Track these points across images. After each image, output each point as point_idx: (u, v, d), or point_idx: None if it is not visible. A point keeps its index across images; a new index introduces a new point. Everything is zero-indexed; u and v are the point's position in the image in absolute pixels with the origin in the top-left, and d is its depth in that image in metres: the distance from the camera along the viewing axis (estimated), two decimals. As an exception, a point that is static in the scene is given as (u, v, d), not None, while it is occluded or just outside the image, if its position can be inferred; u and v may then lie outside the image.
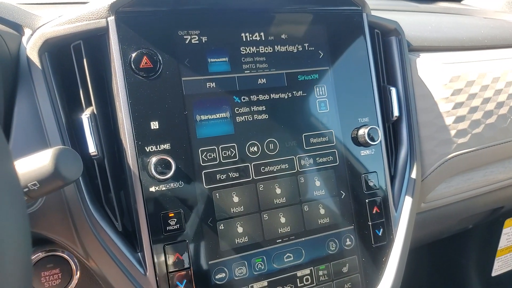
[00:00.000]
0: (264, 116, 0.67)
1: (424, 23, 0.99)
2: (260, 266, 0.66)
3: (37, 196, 0.47)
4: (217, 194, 0.63)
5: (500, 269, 1.34)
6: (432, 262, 1.44)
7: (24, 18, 0.66)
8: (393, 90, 0.78)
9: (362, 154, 0.74)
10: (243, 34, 0.67)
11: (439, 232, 1.10)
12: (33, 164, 0.45)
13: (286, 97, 0.68)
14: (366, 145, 0.72)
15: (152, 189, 0.59)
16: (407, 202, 0.77)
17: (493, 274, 1.33)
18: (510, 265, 1.36)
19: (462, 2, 1.47)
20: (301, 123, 0.69)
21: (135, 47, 0.60)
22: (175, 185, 0.60)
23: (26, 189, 0.45)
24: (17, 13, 0.66)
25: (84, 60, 0.61)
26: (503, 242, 1.31)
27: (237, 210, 0.64)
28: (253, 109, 0.66)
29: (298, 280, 0.68)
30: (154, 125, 0.60)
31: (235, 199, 0.64)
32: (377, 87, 0.76)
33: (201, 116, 0.63)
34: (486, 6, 1.40)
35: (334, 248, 0.70)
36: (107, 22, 0.59)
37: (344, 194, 0.71)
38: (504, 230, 1.29)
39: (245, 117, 0.66)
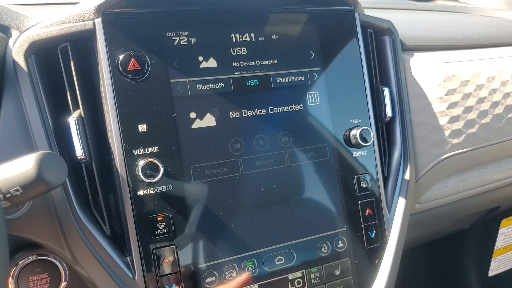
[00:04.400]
0: (254, 118, 0.66)
1: (419, 21, 0.98)
2: (251, 269, 0.65)
3: (21, 201, 0.46)
4: (206, 197, 0.63)
5: (497, 269, 1.33)
6: (429, 262, 1.44)
7: (12, 19, 0.65)
8: (386, 91, 0.77)
9: (355, 155, 0.73)
10: (232, 35, 0.66)
11: (435, 232, 1.09)
12: (15, 169, 0.45)
13: (277, 98, 0.68)
14: (358, 146, 0.72)
15: (140, 192, 0.59)
16: (401, 203, 0.77)
17: (490, 274, 1.32)
18: (507, 265, 1.35)
19: (459, 0, 1.46)
20: (292, 124, 0.68)
21: (122, 49, 0.59)
22: (163, 188, 0.60)
23: (9, 195, 0.45)
24: (6, 14, 0.66)
25: (71, 62, 0.60)
26: (499, 242, 1.30)
27: (226, 213, 0.64)
28: (243, 111, 0.65)
29: (289, 283, 0.67)
30: (142, 128, 0.60)
31: (225, 202, 0.64)
32: (370, 87, 0.75)
33: (190, 119, 0.62)
34: (484, 4, 1.39)
35: (326, 251, 0.70)
36: (94, 24, 0.59)
37: (336, 195, 0.71)
38: (501, 230, 1.28)
39: (234, 119, 0.65)
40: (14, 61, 0.59)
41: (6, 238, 0.36)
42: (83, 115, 0.60)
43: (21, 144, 0.57)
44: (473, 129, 0.86)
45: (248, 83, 0.66)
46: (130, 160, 0.58)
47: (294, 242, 0.68)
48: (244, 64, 0.66)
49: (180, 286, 0.60)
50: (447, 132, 0.83)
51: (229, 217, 0.64)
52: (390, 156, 0.79)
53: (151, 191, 0.59)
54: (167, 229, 0.60)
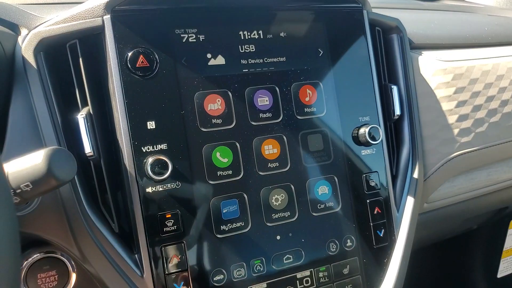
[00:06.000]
0: (263, 115, 0.66)
1: (427, 20, 0.98)
2: (259, 267, 0.65)
3: (30, 197, 0.46)
4: (215, 195, 0.62)
5: (506, 270, 1.32)
6: (437, 263, 1.43)
7: (21, 17, 0.65)
8: (395, 89, 0.77)
9: (363, 153, 0.72)
10: (241, 32, 0.66)
11: (443, 232, 1.08)
12: (25, 165, 0.45)
13: (285, 95, 0.67)
14: (367, 144, 0.71)
15: (149, 189, 0.59)
16: (409, 202, 0.76)
17: (499, 275, 1.31)
18: (516, 266, 1.34)
19: (466, 0, 1.45)
20: (300, 122, 0.68)
21: (131, 46, 0.59)
22: (172, 185, 0.60)
23: (19, 190, 0.45)
24: (15, 12, 0.66)
25: (80, 59, 0.60)
26: (508, 243, 1.29)
27: (235, 210, 0.63)
28: (252, 108, 0.65)
29: (298, 281, 0.67)
30: (151, 124, 0.59)
31: (234, 200, 0.63)
32: (378, 85, 0.75)
33: (199, 116, 0.62)
34: (490, 3, 1.39)
35: (334, 249, 0.69)
36: (103, 21, 0.59)
37: (344, 194, 0.70)
38: (510, 231, 1.27)
39: (243, 116, 0.65)
40: (23, 58, 0.59)
41: (19, 235, 0.36)
42: (91, 112, 0.60)
43: (30, 141, 0.57)
44: (482, 128, 0.85)
45: (256, 81, 0.66)
46: (138, 157, 0.58)
47: (303, 240, 0.67)
48: (252, 61, 0.66)
49: (188, 284, 0.60)
50: (455, 131, 0.83)
51: (237, 215, 0.63)
52: (399, 155, 0.79)
53: (159, 188, 0.59)
54: (175, 226, 0.59)
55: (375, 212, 0.72)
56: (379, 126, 0.72)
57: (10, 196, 0.37)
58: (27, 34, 0.61)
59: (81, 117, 0.59)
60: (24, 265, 0.59)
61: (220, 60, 0.64)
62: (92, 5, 0.59)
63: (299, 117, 0.68)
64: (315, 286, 0.68)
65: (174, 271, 0.60)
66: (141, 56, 0.59)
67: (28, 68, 0.58)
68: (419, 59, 0.82)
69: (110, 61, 0.59)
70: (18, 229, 0.36)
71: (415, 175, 0.77)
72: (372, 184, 0.73)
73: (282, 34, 0.68)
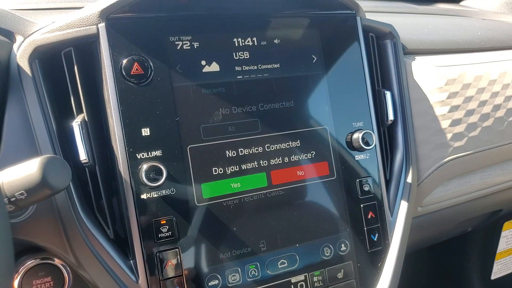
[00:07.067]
0: (256, 123, 0.66)
1: (421, 25, 0.98)
2: (254, 272, 0.65)
3: (25, 205, 0.46)
4: (209, 201, 0.63)
5: (500, 272, 1.33)
6: (432, 265, 1.44)
7: (16, 24, 0.65)
8: (388, 94, 0.78)
9: (357, 158, 0.73)
10: (235, 40, 0.66)
11: (437, 235, 1.09)
12: (20, 173, 0.45)
13: (279, 102, 0.68)
14: (360, 149, 0.72)
15: (144, 196, 0.59)
16: (403, 206, 0.77)
17: (493, 277, 1.32)
18: (510, 268, 1.35)
19: (461, 3, 1.46)
20: (294, 128, 0.69)
21: (126, 53, 0.60)
22: (166, 192, 0.60)
23: (13, 199, 0.45)
24: (9, 19, 0.66)
25: (75, 67, 0.61)
26: (502, 245, 1.30)
27: (229, 216, 0.64)
28: (246, 115, 0.66)
29: (292, 286, 0.67)
30: (146, 132, 0.60)
31: (228, 207, 0.64)
32: (372, 91, 0.75)
33: (193, 123, 0.63)
34: (485, 7, 1.40)
35: (329, 254, 0.70)
36: (98, 29, 0.59)
37: (338, 199, 0.71)
38: (503, 233, 1.28)
39: (238, 123, 0.65)
40: (18, 66, 0.59)
41: (12, 242, 0.36)
42: (86, 119, 0.60)
43: (26, 148, 0.57)
44: (475, 132, 0.86)
45: (250, 88, 0.67)
46: (133, 164, 0.59)
47: (297, 245, 0.68)
48: (247, 68, 0.66)
49: (183, 290, 0.60)
50: (449, 135, 0.83)
51: (232, 221, 0.64)
52: (392, 160, 0.79)
53: (154, 194, 0.60)
54: (170, 232, 0.60)
55: (369, 217, 0.73)
56: (373, 131, 0.73)
57: (3, 205, 0.37)
58: (22, 42, 0.61)
59: (76, 124, 0.59)
60: (19, 271, 0.59)
61: (214, 67, 0.65)
62: (87, 13, 0.59)
63: (293, 123, 0.69)
64: (309, 290, 0.68)
65: (169, 276, 0.60)
66: (136, 63, 0.60)
67: (23, 76, 0.59)
68: (412, 65, 0.83)
69: (105, 69, 0.59)
70: (11, 239, 0.36)
71: (409, 179, 0.78)
72: (366, 188, 0.73)
73: (276, 41, 0.69)
